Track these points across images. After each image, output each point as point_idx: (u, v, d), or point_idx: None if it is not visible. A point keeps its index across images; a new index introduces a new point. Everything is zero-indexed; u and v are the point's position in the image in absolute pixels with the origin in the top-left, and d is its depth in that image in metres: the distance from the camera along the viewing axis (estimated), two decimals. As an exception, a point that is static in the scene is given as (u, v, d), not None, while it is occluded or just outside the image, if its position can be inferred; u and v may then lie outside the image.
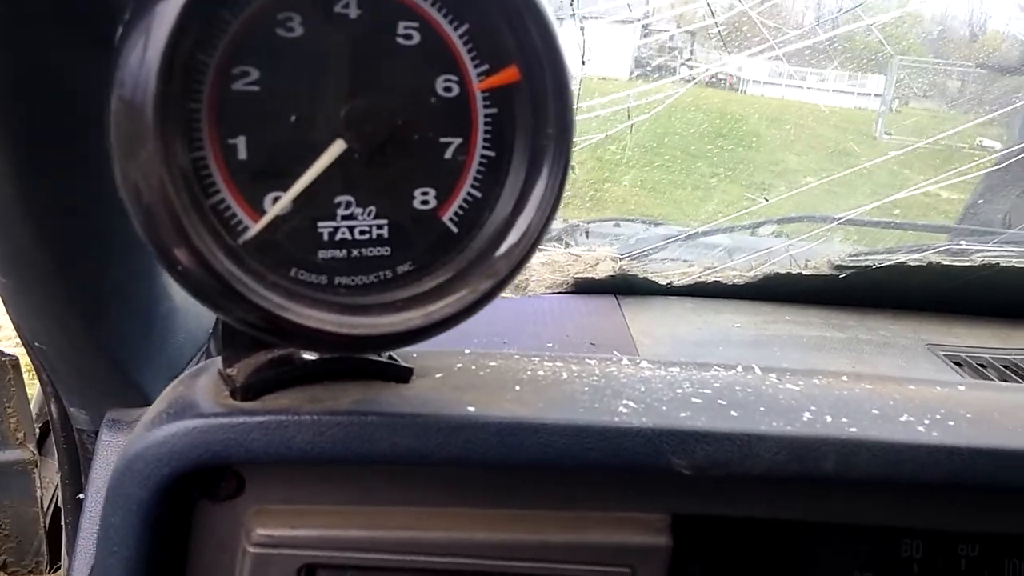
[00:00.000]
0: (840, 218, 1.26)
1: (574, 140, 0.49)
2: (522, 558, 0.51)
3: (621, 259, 1.23)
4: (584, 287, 1.22)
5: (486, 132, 0.48)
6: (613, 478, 0.52)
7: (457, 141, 0.48)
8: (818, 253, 1.25)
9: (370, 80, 0.45)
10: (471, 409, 0.50)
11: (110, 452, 0.76)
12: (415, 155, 0.47)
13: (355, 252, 0.47)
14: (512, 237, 0.48)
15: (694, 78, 1.21)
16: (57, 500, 1.19)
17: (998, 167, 1.42)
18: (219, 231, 0.43)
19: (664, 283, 1.23)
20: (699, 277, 1.23)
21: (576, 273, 1.22)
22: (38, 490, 1.13)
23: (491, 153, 0.49)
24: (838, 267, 1.19)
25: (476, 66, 0.47)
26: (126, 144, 0.39)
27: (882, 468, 0.50)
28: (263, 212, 0.44)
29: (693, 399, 0.53)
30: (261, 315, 0.43)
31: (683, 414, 0.51)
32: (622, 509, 0.52)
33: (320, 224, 0.46)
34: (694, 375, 0.57)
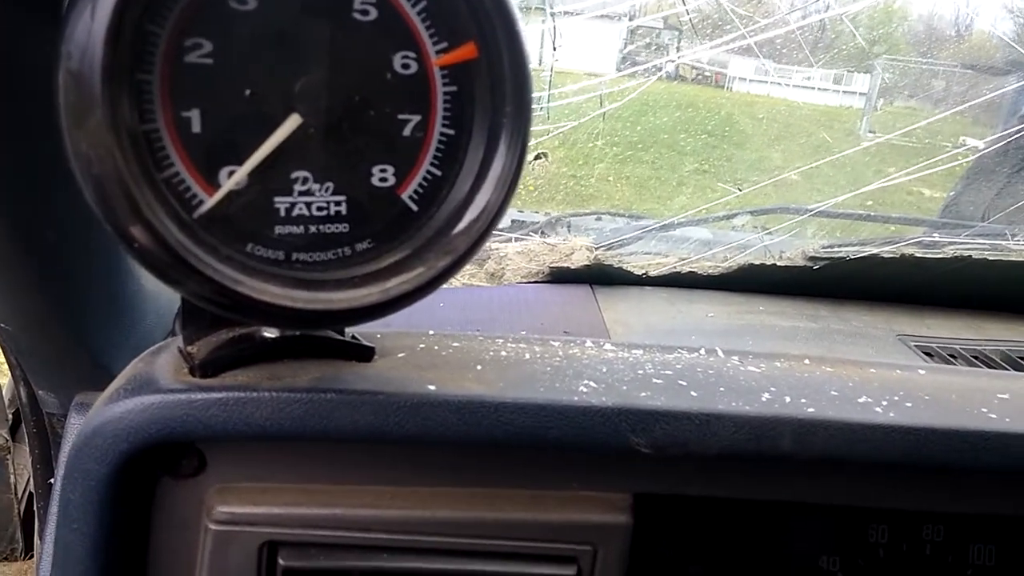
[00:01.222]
0: (813, 209, 1.26)
1: (532, 119, 0.49)
2: (484, 535, 0.51)
3: (596, 249, 1.23)
4: (559, 276, 1.22)
5: (445, 110, 0.48)
6: (574, 457, 0.52)
7: (416, 119, 0.48)
8: (793, 245, 1.26)
9: (326, 54, 0.45)
10: (431, 387, 0.50)
11: (78, 435, 0.76)
12: (373, 132, 0.47)
13: (313, 228, 0.47)
14: (470, 214, 0.48)
15: (670, 63, 1.21)
16: (31, 486, 1.19)
17: (977, 155, 1.43)
18: (172, 204, 0.42)
19: (639, 273, 1.23)
20: (674, 268, 1.24)
21: (551, 263, 1.22)
22: (12, 476, 1.12)
23: (450, 131, 0.49)
24: (812, 258, 1.20)
25: (435, 43, 0.47)
26: (74, 113, 0.38)
27: (839, 447, 0.50)
28: (218, 186, 0.44)
29: (654, 380, 0.54)
30: (214, 288, 0.42)
31: (643, 394, 0.51)
32: (584, 488, 0.53)
33: (277, 199, 0.46)
34: (656, 357, 0.58)
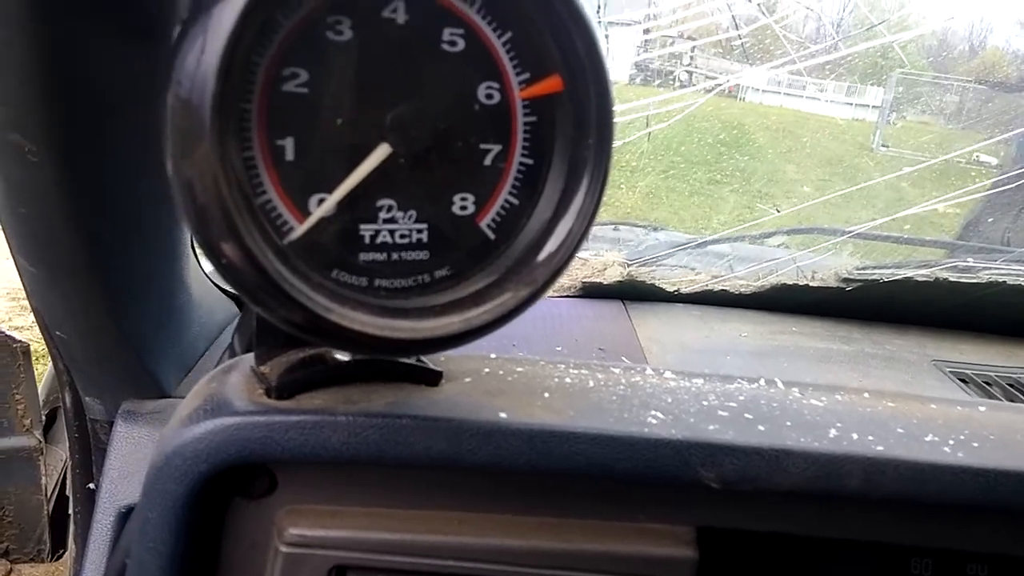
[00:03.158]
0: (850, 231, 1.26)
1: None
2: (550, 565, 0.51)
3: (629, 265, 1.24)
4: (592, 291, 1.23)
5: (525, 140, 0.49)
6: (641, 488, 0.52)
7: (497, 148, 0.48)
8: (825, 265, 1.26)
9: (415, 85, 0.45)
10: (503, 415, 0.50)
11: (125, 443, 0.77)
12: (456, 161, 0.47)
13: (395, 255, 0.47)
14: (551, 245, 0.48)
15: (716, 86, 1.21)
16: (60, 488, 1.19)
17: (1004, 188, 1.43)
18: (267, 230, 0.43)
19: (671, 290, 1.24)
20: (706, 285, 1.24)
21: (584, 277, 1.22)
22: (43, 477, 1.12)
23: (529, 161, 0.49)
24: (845, 280, 1.20)
25: (518, 74, 0.47)
26: (182, 142, 0.39)
27: (907, 487, 0.50)
28: (308, 213, 0.44)
29: (720, 412, 0.54)
30: (306, 315, 0.43)
31: (711, 427, 0.51)
32: (649, 520, 0.53)
33: (362, 227, 0.46)
34: (719, 388, 0.58)
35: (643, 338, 1.09)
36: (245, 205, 0.41)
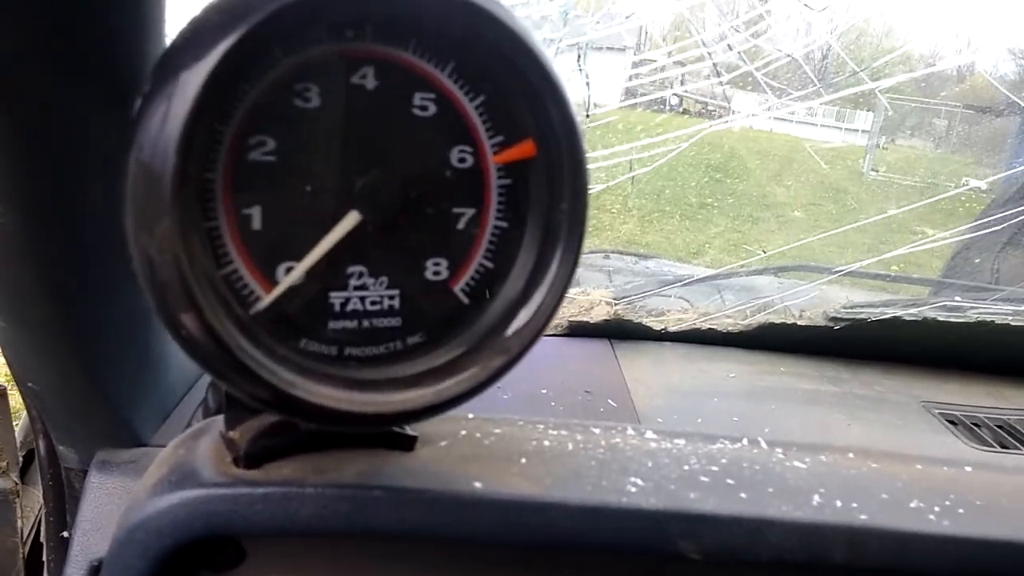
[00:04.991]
0: (839, 270, 1.26)
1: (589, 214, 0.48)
2: None
3: (616, 303, 1.22)
4: (578, 330, 1.21)
5: (499, 203, 0.48)
6: (619, 558, 0.51)
7: (470, 212, 0.47)
8: (813, 303, 1.25)
9: (386, 151, 0.44)
10: (477, 484, 0.49)
11: (98, 493, 0.75)
12: (429, 226, 0.46)
13: (366, 323, 0.46)
14: (525, 314, 0.47)
15: (674, 97, 1.20)
16: (36, 532, 1.17)
17: (992, 228, 1.42)
18: (230, 302, 0.42)
19: (658, 328, 1.23)
20: (693, 324, 1.23)
21: (571, 316, 1.21)
22: (19, 521, 1.10)
23: (504, 224, 0.48)
24: (833, 319, 1.19)
25: (491, 137, 0.47)
26: (142, 215, 0.38)
27: (892, 558, 0.49)
28: (275, 282, 0.43)
29: (701, 477, 0.53)
30: (270, 391, 0.41)
31: (692, 495, 0.50)
32: None
33: (332, 295, 0.45)
34: (700, 449, 0.57)
35: (630, 379, 1.08)
36: (207, 278, 0.40)
